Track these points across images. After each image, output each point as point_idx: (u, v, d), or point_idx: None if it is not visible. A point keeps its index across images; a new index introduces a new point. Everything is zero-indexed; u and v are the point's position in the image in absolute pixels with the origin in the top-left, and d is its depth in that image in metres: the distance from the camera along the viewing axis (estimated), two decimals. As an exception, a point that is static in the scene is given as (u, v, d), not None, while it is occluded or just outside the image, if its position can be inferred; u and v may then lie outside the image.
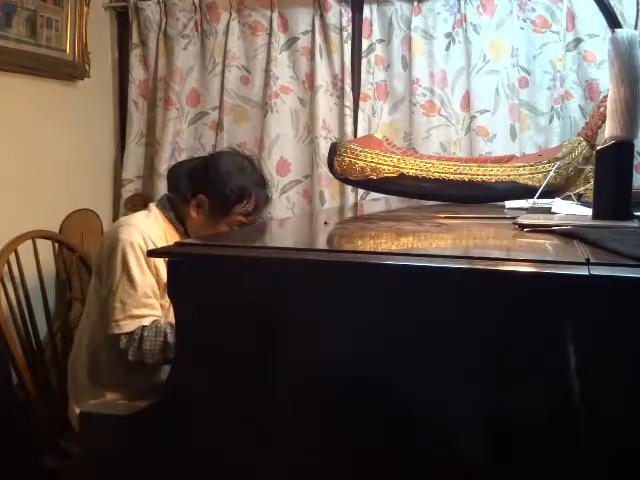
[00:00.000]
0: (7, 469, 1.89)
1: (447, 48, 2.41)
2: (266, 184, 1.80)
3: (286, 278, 0.86)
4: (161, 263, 1.56)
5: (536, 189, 1.45)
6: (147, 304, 1.53)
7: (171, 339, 1.47)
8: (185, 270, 0.90)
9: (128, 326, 1.50)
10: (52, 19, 2.34)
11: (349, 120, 2.49)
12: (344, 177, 1.66)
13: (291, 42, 2.56)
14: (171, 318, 1.55)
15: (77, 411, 1.55)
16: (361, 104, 2.50)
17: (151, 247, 1.54)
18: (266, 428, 0.88)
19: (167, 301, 1.58)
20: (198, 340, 0.91)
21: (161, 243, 1.58)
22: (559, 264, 0.78)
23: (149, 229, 1.59)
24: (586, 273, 0.74)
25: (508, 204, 1.57)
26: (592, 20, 2.27)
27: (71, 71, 2.48)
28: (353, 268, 0.84)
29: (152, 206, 1.72)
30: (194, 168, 1.73)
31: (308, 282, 0.85)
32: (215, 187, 1.66)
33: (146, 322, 1.52)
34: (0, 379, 1.97)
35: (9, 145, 2.23)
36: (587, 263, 0.78)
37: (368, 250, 1.00)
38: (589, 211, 1.17)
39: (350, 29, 2.49)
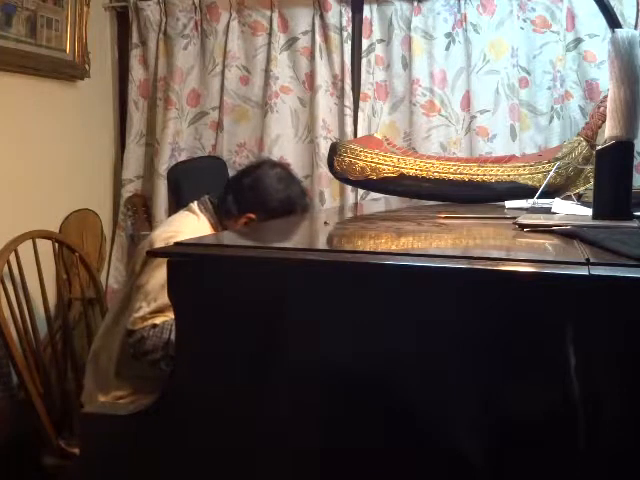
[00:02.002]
0: (7, 469, 1.89)
1: (447, 48, 2.41)
2: (306, 193, 1.84)
3: (286, 278, 0.86)
4: None
5: (536, 189, 1.45)
6: (166, 309, 1.53)
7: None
8: (185, 270, 0.90)
9: (138, 324, 1.52)
10: (52, 19, 2.34)
11: (349, 120, 2.49)
12: (344, 177, 1.66)
13: (291, 42, 2.56)
14: None
15: (101, 399, 1.56)
16: (361, 104, 2.50)
17: None
18: (266, 428, 0.88)
19: None
20: (198, 340, 0.91)
21: None
22: (559, 264, 0.78)
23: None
24: (586, 273, 0.74)
25: (508, 204, 1.56)
26: (592, 20, 2.27)
27: (71, 71, 2.48)
28: (353, 268, 0.84)
29: (197, 210, 1.71)
30: (237, 184, 1.75)
31: (308, 282, 0.85)
32: (264, 204, 1.69)
33: (157, 321, 1.53)
34: (0, 379, 1.97)
35: (9, 145, 2.22)
36: (587, 263, 0.78)
37: (368, 250, 1.00)
38: (589, 211, 1.17)
39: (350, 29, 2.49)
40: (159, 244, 1.59)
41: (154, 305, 1.52)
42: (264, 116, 2.56)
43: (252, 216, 1.69)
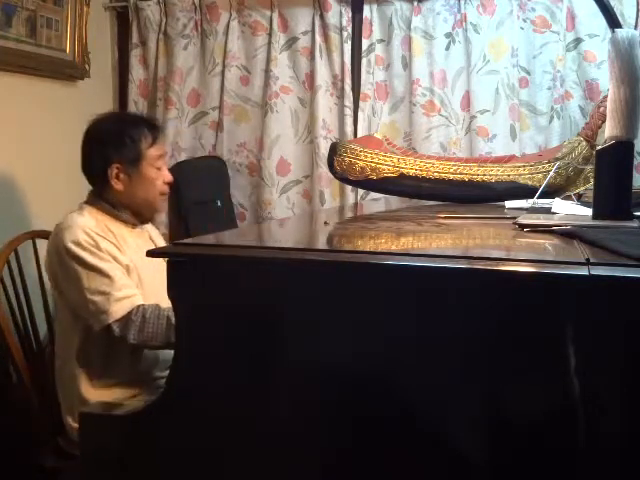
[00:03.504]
0: (7, 469, 1.88)
1: (447, 48, 2.41)
2: (141, 114, 1.81)
3: (286, 278, 0.86)
4: (113, 249, 1.56)
5: (536, 189, 1.45)
6: (126, 285, 1.52)
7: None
8: (185, 270, 0.90)
9: (119, 311, 1.48)
10: (52, 19, 2.34)
11: (349, 120, 2.49)
12: (344, 177, 1.66)
13: (291, 42, 2.56)
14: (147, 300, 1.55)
15: (73, 424, 1.56)
16: (361, 104, 2.50)
17: (96, 238, 1.54)
18: (266, 428, 0.88)
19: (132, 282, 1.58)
20: (198, 340, 0.91)
21: (105, 233, 1.58)
22: (559, 264, 0.78)
23: (87, 223, 1.58)
24: (586, 273, 0.74)
25: (508, 204, 1.57)
26: (592, 20, 2.27)
27: (71, 71, 2.48)
28: (353, 268, 0.84)
29: (81, 204, 1.69)
30: (83, 156, 1.70)
31: (308, 282, 0.85)
32: (113, 148, 1.63)
33: (138, 300, 1.50)
34: (0, 379, 1.97)
35: (9, 145, 2.22)
36: (587, 263, 0.78)
37: (368, 250, 1.00)
38: (589, 211, 1.17)
39: (350, 29, 2.49)
40: (52, 248, 1.58)
41: (107, 288, 1.49)
42: (264, 116, 2.56)
43: (113, 166, 1.63)
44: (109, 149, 1.64)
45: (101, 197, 1.67)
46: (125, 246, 1.60)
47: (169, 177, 1.72)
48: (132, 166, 1.64)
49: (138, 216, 1.71)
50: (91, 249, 1.53)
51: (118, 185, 1.64)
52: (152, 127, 1.70)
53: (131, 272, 1.58)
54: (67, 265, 1.53)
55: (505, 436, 0.80)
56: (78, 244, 1.53)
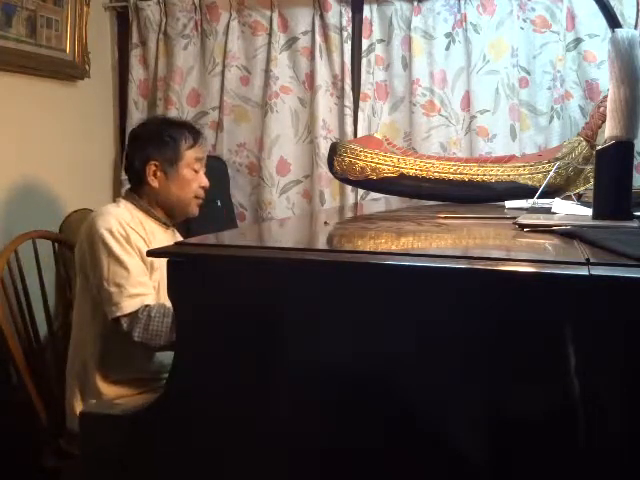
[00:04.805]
0: (7, 469, 1.89)
1: (447, 48, 2.41)
2: (181, 119, 1.95)
3: (286, 278, 0.86)
4: (142, 245, 1.59)
5: (536, 189, 1.45)
6: (142, 283, 1.55)
7: None
8: (185, 270, 0.90)
9: (129, 307, 1.50)
10: (52, 19, 2.34)
11: (349, 120, 2.49)
12: (344, 177, 1.66)
13: (291, 42, 2.56)
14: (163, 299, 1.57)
15: (77, 412, 1.56)
16: (361, 104, 2.49)
17: (128, 230, 1.58)
18: (266, 428, 0.88)
19: (155, 281, 1.60)
20: (198, 340, 0.91)
21: (137, 227, 1.62)
22: (559, 264, 0.78)
23: (122, 215, 1.62)
24: (586, 273, 0.74)
25: (508, 204, 1.57)
26: (592, 20, 2.27)
27: (71, 71, 2.48)
28: (353, 268, 0.84)
29: (118, 199, 1.75)
30: (125, 156, 1.78)
31: (308, 282, 0.85)
32: (152, 147, 1.69)
33: (148, 300, 1.52)
34: (0, 379, 1.97)
35: (9, 145, 2.22)
36: (587, 263, 0.78)
37: (368, 250, 1.00)
38: (589, 211, 1.17)
39: (350, 29, 2.49)
40: (84, 233, 1.62)
41: (124, 281, 1.52)
42: (264, 116, 2.56)
43: (151, 162, 1.68)
44: (149, 147, 1.70)
45: (137, 194, 1.71)
46: (154, 243, 1.63)
47: (205, 181, 1.76)
48: (170, 165, 1.69)
49: (170, 216, 1.75)
50: (120, 240, 1.56)
51: (154, 182, 1.69)
52: (193, 130, 1.76)
53: (155, 270, 1.60)
54: (95, 249, 1.56)
55: (505, 436, 0.80)
56: (110, 232, 1.56)
